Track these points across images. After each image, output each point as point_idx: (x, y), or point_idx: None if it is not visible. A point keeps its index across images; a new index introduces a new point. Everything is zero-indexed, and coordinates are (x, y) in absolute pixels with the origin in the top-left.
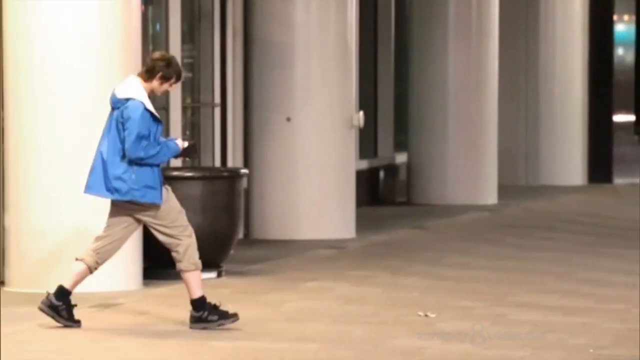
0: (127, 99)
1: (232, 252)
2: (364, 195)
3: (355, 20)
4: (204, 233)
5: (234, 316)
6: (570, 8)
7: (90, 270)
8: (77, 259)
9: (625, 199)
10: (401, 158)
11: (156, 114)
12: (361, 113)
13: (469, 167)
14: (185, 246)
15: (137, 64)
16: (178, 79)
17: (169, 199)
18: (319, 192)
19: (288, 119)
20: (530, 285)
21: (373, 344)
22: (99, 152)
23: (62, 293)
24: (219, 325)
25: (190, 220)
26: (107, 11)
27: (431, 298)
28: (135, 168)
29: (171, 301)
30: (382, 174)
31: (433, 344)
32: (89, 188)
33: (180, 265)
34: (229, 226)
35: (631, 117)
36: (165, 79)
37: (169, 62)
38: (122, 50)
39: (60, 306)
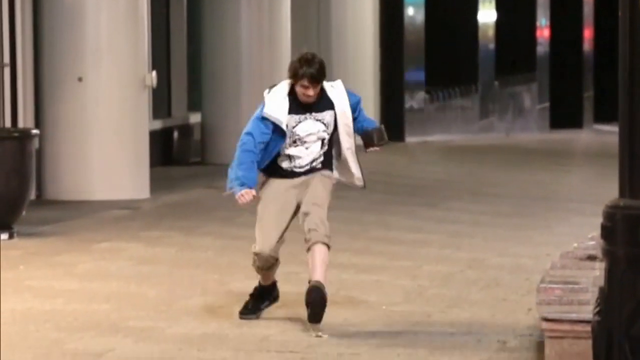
0: None
1: (23, 213)
2: (158, 155)
3: None
4: None
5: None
6: None
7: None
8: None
9: (416, 158)
10: (195, 118)
11: (274, 118)
12: (154, 73)
13: None
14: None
15: None
16: (302, 78)
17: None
18: (112, 152)
19: (80, 79)
20: None
21: (166, 304)
22: None
23: None
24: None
25: None
26: None
27: (225, 258)
28: None
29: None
30: (176, 134)
31: (227, 303)
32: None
33: None
34: (20, 187)
35: (422, 77)
36: (291, 78)
37: (292, 62)
38: None
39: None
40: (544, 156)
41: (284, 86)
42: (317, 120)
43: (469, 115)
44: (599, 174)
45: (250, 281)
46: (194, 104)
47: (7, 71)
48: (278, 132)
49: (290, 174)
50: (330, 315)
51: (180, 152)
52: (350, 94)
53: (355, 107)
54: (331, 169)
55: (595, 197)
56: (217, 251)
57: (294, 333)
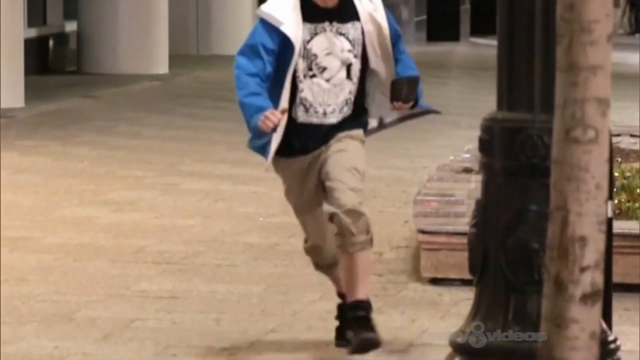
0: None
1: None
2: (33, 64)
3: None
4: None
5: None
6: None
7: None
8: None
9: None
10: (71, 26)
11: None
12: None
13: (140, 36)
14: None
15: None
16: None
17: None
18: None
19: None
20: (201, 154)
21: (42, 213)
22: None
23: None
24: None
25: None
26: None
27: (102, 168)
28: None
29: None
30: (51, 42)
31: (104, 214)
32: None
33: None
34: None
35: None
36: None
37: None
38: None
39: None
40: (422, 69)
41: None
42: (340, 34)
43: None
44: (476, 87)
45: (128, 192)
46: (70, 12)
47: None
48: (286, 51)
49: (306, 140)
50: (208, 226)
51: (56, 61)
52: (391, 18)
53: (394, 39)
54: (362, 126)
55: (472, 110)
56: (93, 161)
57: (170, 244)
